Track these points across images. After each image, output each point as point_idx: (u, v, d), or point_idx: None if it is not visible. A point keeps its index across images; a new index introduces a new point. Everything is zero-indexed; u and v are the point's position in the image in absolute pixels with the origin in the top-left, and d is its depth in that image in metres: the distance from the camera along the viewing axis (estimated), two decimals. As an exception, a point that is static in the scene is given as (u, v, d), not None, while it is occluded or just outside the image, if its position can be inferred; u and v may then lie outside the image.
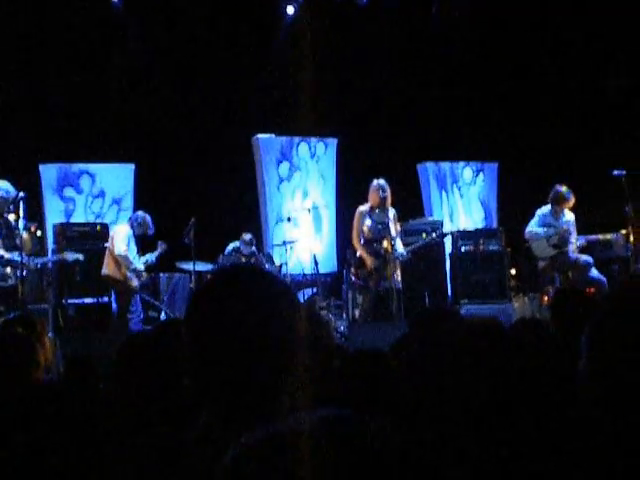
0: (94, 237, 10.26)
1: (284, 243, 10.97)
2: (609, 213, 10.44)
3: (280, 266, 10.75)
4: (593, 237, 10.04)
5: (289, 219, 11.53)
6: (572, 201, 9.81)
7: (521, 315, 10.19)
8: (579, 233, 9.94)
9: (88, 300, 10.02)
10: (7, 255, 7.97)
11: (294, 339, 1.57)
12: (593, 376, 1.68)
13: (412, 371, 3.42)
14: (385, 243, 9.08)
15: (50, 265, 9.72)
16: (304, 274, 11.01)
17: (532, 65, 12.87)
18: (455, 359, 3.54)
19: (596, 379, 1.67)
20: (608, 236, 10.16)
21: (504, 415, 2.01)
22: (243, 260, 10.56)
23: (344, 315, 9.89)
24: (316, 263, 10.53)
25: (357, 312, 9.53)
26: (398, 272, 9.30)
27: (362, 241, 9.23)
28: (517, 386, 2.56)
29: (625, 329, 1.68)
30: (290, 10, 12.51)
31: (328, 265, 12.11)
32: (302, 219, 11.93)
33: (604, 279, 9.62)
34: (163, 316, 10.33)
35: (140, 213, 9.91)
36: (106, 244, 9.76)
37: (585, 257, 9.77)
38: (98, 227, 10.46)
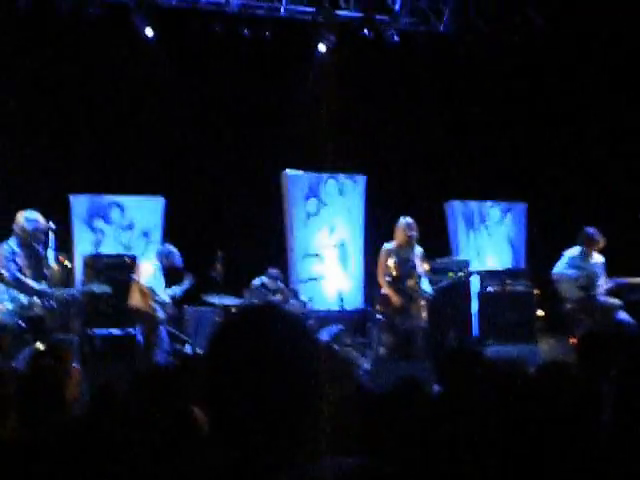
0: (122, 268, 10.32)
1: (310, 279, 10.98)
2: (638, 256, 10.35)
3: (306, 302, 10.74)
4: (622, 280, 9.94)
5: (316, 255, 11.55)
6: (601, 243, 9.75)
7: (548, 357, 10.11)
8: (608, 276, 9.86)
9: (115, 331, 10.07)
10: (37, 286, 8.03)
11: (313, 381, 1.57)
12: (619, 427, 1.67)
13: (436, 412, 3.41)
14: (411, 281, 9.06)
15: (78, 296, 9.78)
16: (329, 310, 10.99)
17: (563, 107, 12.86)
18: (476, 404, 3.52)
19: (621, 430, 1.66)
20: (638, 279, 10.05)
21: (521, 463, 1.99)
22: (269, 295, 10.57)
23: (369, 353, 9.84)
24: (342, 300, 10.53)
25: (382, 350, 9.47)
26: (424, 311, 9.26)
27: (388, 279, 9.21)
28: (537, 433, 2.54)
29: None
30: (322, 47, 12.62)
31: (354, 302, 12.08)
32: (329, 255, 11.95)
33: (633, 322, 9.52)
34: (188, 349, 10.34)
35: (167, 246, 9.96)
36: (133, 276, 9.82)
37: (613, 300, 9.69)
38: (126, 259, 10.53)
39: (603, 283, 9.73)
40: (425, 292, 9.27)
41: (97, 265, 10.30)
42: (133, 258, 10.50)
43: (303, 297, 11.00)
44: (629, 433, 1.65)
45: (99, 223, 11.51)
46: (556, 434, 2.74)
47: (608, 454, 1.80)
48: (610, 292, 9.81)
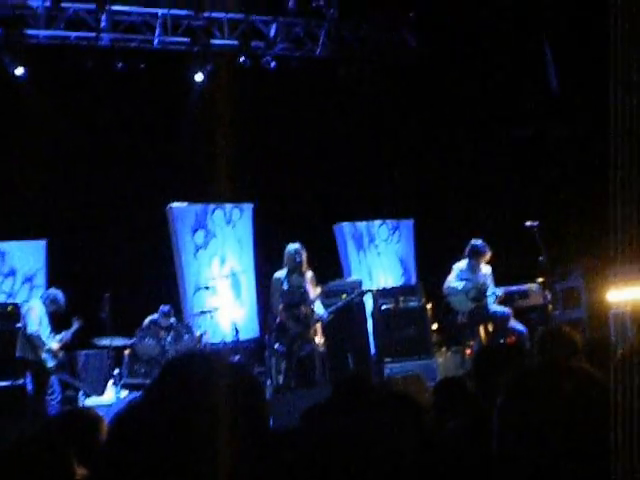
0: (5, 318, 9.93)
1: (203, 312, 10.81)
2: (524, 264, 10.60)
3: (200, 336, 10.56)
4: (510, 288, 10.15)
5: (207, 287, 11.39)
6: (488, 254, 9.96)
7: (445, 370, 10.24)
8: (496, 284, 10.06)
9: (2, 383, 9.65)
10: None
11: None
12: (504, 456, 1.64)
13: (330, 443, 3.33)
14: (304, 308, 9.03)
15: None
16: (225, 342, 10.84)
17: (444, 120, 13.13)
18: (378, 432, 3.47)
19: (506, 459, 1.63)
20: (525, 286, 10.28)
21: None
22: (162, 332, 10.34)
23: (268, 382, 9.72)
24: (237, 331, 10.41)
25: (281, 378, 9.39)
26: (320, 335, 9.24)
27: (282, 306, 9.15)
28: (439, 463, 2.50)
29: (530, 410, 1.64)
30: (199, 77, 12.51)
31: (250, 331, 11.96)
32: (221, 286, 11.80)
33: (524, 329, 9.73)
34: (81, 395, 10.01)
35: (52, 290, 9.67)
36: (18, 325, 9.46)
37: (503, 308, 9.89)
38: (9, 307, 10.13)
39: (492, 293, 9.92)
40: (320, 316, 9.25)
41: (-23, 316, 9.87)
42: (16, 306, 10.11)
43: (197, 331, 10.81)
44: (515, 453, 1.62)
45: (-22, 272, 11.05)
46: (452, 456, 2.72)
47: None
48: (500, 301, 10.01)
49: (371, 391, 4.23)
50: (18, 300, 10.66)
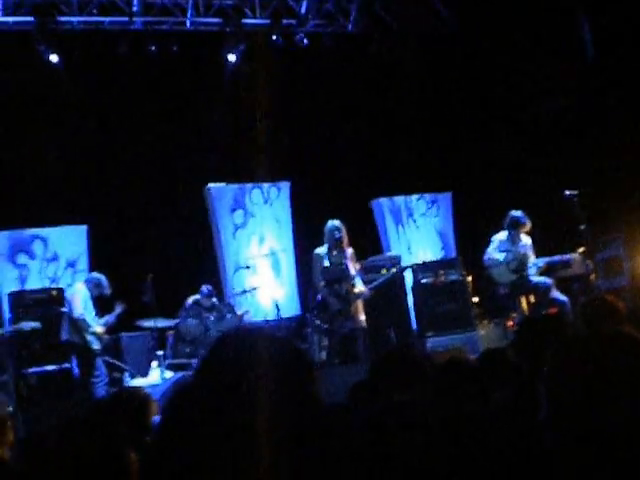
0: (50, 302, 10.06)
1: (244, 291, 10.87)
2: (565, 233, 10.51)
3: (242, 315, 10.63)
4: (552, 259, 10.08)
5: (247, 267, 11.44)
6: (528, 225, 9.87)
7: (487, 343, 10.19)
8: (537, 255, 9.99)
9: (49, 368, 9.79)
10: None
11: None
12: (554, 425, 1.63)
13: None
14: (345, 284, 9.03)
15: (7, 336, 9.52)
16: (267, 320, 10.90)
17: (478, 93, 13.02)
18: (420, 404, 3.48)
19: (556, 428, 1.62)
20: (566, 256, 10.20)
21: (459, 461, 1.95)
22: (204, 313, 10.43)
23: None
24: (278, 309, 10.45)
25: (323, 355, 9.42)
26: (361, 311, 9.24)
27: (323, 283, 9.17)
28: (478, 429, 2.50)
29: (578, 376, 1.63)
30: (232, 57, 12.51)
31: (291, 309, 12.01)
32: (261, 265, 11.85)
33: (566, 299, 9.66)
34: (127, 376, 10.14)
35: (95, 274, 9.78)
36: (63, 309, 9.59)
37: (545, 279, 9.81)
38: (53, 292, 10.27)
39: (533, 264, 9.85)
40: (361, 293, 9.25)
41: (24, 301, 10.01)
42: (60, 290, 10.24)
43: (239, 310, 10.89)
44: (563, 431, 1.61)
45: (22, 258, 11.20)
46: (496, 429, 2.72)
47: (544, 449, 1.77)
48: (541, 271, 9.94)
49: (415, 365, 4.23)
50: (62, 285, 10.81)
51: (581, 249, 9.97)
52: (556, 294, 9.73)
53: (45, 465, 3.57)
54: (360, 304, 9.25)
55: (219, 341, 1.68)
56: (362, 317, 9.22)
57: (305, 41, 12.71)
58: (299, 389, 1.57)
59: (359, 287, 9.26)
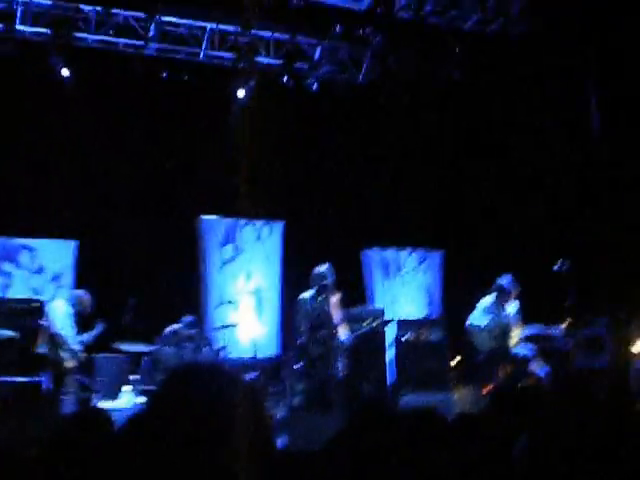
0: (30, 314, 9.96)
1: (224, 326, 10.83)
2: (552, 304, 10.51)
3: (219, 350, 10.57)
4: (534, 330, 10.06)
5: (230, 302, 11.41)
6: (515, 292, 9.87)
7: (461, 406, 10.15)
8: (525, 321, 9.96)
9: (20, 379, 9.68)
10: None
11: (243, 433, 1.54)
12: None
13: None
14: (327, 331, 9.00)
15: (-19, 342, 9.42)
16: (243, 358, 10.84)
17: (480, 153, 13.11)
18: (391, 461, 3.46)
19: None
20: (550, 329, 10.20)
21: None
22: (181, 343, 10.37)
23: (282, 402, 9.71)
24: (255, 347, 10.41)
25: (297, 399, 9.37)
26: (340, 360, 9.19)
27: (304, 328, 9.14)
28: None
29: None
30: (241, 93, 12.60)
31: (269, 349, 11.95)
32: (244, 302, 11.83)
33: (544, 372, 9.62)
34: (95, 397, 10.03)
35: (79, 291, 9.72)
36: (42, 321, 9.52)
37: (525, 351, 9.77)
38: (34, 304, 10.17)
39: (515, 334, 9.83)
40: (342, 341, 9.22)
41: (3, 310, 9.93)
42: (41, 303, 10.16)
43: (216, 345, 10.83)
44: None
45: (7, 266, 11.15)
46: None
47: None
48: (525, 338, 9.92)
49: (388, 420, 4.20)
50: (44, 297, 10.74)
51: (566, 323, 9.97)
52: (535, 366, 9.70)
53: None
54: (340, 352, 9.21)
55: (171, 375, 1.69)
56: (340, 365, 9.18)
57: (315, 86, 12.82)
58: (250, 427, 1.57)
59: (341, 334, 9.23)
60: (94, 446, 3.84)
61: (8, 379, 9.62)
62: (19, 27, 11.15)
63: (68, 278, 11.44)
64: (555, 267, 9.82)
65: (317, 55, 12.93)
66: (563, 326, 9.94)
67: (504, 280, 9.86)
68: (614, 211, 11.82)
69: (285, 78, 12.64)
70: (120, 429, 1.75)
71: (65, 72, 11.55)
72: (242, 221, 12.59)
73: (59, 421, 7.31)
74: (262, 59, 12.64)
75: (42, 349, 9.35)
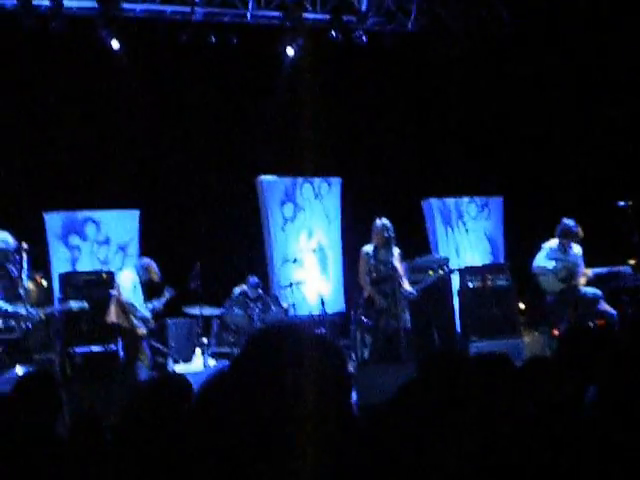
0: (100, 285, 10.21)
1: (290, 285, 10.91)
2: (617, 244, 10.38)
3: (287, 308, 10.69)
4: (602, 270, 9.95)
5: (295, 260, 11.48)
6: (579, 234, 9.76)
7: (531, 350, 10.11)
8: (587, 265, 9.87)
9: (95, 348, 9.95)
10: (10, 308, 7.93)
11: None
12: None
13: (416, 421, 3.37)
14: (392, 283, 9.01)
15: (56, 314, 9.68)
16: (311, 315, 10.94)
17: (534, 99, 12.89)
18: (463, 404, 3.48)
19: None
20: (617, 268, 10.07)
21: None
22: (250, 304, 10.51)
23: (352, 356, 9.79)
24: (323, 304, 10.48)
25: (366, 352, 9.43)
26: (406, 311, 9.21)
27: (369, 281, 9.17)
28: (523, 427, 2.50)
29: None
30: (290, 52, 12.55)
31: (336, 305, 12.03)
32: (308, 260, 11.89)
33: (613, 312, 9.54)
34: (170, 362, 10.26)
35: (145, 259, 9.87)
36: (112, 291, 9.72)
37: (593, 290, 9.69)
38: (104, 275, 10.42)
39: (583, 274, 9.73)
40: (407, 292, 9.23)
41: (74, 282, 10.19)
42: (111, 274, 10.39)
43: (284, 303, 10.95)
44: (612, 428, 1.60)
45: (75, 240, 11.38)
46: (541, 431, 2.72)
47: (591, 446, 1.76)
48: (590, 282, 9.82)
49: (458, 368, 4.21)
50: (112, 268, 10.97)
51: (632, 261, 9.84)
52: (604, 306, 9.61)
53: (97, 442, 3.65)
54: (406, 304, 9.23)
55: (259, 334, 1.70)
56: (407, 317, 9.20)
57: (364, 38, 12.69)
58: (335, 389, 1.58)
59: (406, 287, 9.25)
60: (175, 412, 3.94)
61: (84, 349, 9.89)
62: (67, 3, 11.23)
63: (134, 248, 11.63)
64: (620, 203, 9.67)
65: (364, 6, 12.79)
66: (631, 263, 9.80)
67: (567, 223, 9.75)
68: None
69: (333, 33, 12.52)
70: (201, 393, 1.78)
71: (115, 44, 11.64)
72: (300, 179, 12.61)
73: (137, 388, 7.49)
74: (309, 15, 12.55)
75: (114, 318, 9.56)
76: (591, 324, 9.24)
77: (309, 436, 1.53)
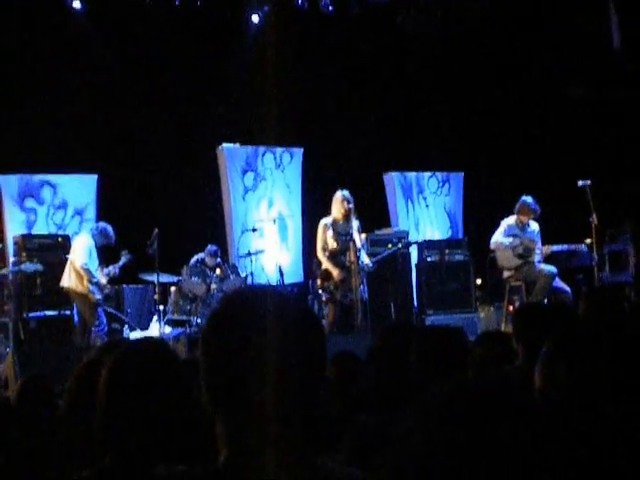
0: (55, 248, 10.10)
1: (249, 254, 10.88)
2: (574, 223, 10.49)
3: (245, 277, 10.65)
4: (558, 247, 10.06)
5: (254, 229, 11.44)
6: (538, 212, 9.85)
7: (486, 325, 10.22)
8: (545, 243, 9.97)
9: (50, 313, 9.85)
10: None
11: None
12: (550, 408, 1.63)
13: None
14: (350, 255, 9.03)
15: (10, 277, 9.56)
16: (269, 285, 10.91)
17: (497, 75, 12.93)
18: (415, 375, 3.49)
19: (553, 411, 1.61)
20: (573, 245, 10.19)
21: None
22: (207, 271, 10.46)
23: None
24: (281, 274, 10.47)
25: (324, 324, 9.45)
26: (364, 283, 9.25)
27: (327, 253, 9.18)
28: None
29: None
30: (255, 19, 12.42)
31: (294, 276, 12.03)
32: (268, 229, 11.84)
33: (568, 289, 9.65)
34: (126, 328, 10.20)
35: (101, 224, 9.78)
36: (68, 256, 9.62)
37: (549, 267, 9.79)
38: (59, 238, 10.31)
39: (539, 251, 9.83)
40: (365, 265, 9.26)
41: (29, 246, 10.05)
42: (66, 238, 10.28)
43: (242, 272, 10.91)
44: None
45: (31, 203, 11.21)
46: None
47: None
48: (547, 259, 9.93)
49: (416, 340, 4.23)
50: (68, 232, 10.84)
51: (588, 240, 9.95)
52: (559, 283, 9.72)
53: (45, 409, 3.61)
54: (363, 276, 9.26)
55: (229, 296, 1.66)
56: (364, 289, 9.24)
57: (330, 7, 12.59)
58: (310, 349, 1.55)
59: (363, 259, 9.27)
60: (126, 375, 3.91)
61: (38, 314, 9.79)
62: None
63: (91, 212, 11.49)
64: (580, 183, 9.77)
65: (331, -25, 12.67)
66: (587, 242, 9.91)
67: (526, 200, 9.83)
68: (635, 130, 11.69)
69: (300, 1, 12.40)
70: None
71: (77, 4, 11.43)
72: (262, 148, 12.52)
73: (90, 353, 7.43)
74: (275, -18, 12.41)
75: (69, 283, 9.47)
76: (546, 300, 9.36)
77: (283, 400, 1.51)
